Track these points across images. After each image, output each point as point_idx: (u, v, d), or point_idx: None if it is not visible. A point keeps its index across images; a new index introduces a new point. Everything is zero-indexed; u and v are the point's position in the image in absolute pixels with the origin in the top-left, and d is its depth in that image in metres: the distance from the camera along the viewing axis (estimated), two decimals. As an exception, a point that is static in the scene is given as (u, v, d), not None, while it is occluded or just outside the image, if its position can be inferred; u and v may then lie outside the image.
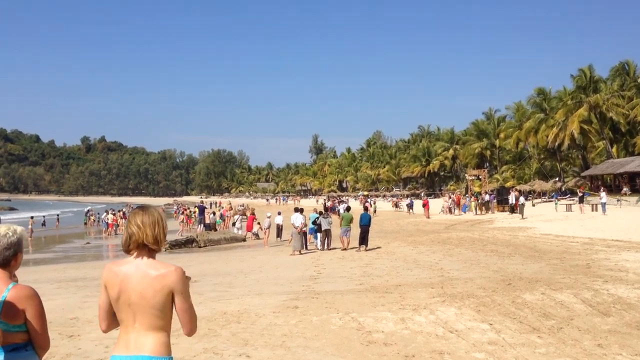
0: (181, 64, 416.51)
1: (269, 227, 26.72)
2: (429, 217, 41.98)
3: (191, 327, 2.94)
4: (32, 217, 40.98)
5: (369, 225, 20.87)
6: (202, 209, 39.93)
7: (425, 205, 44.44)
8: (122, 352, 2.91)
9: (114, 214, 41.86)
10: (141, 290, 2.85)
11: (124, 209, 54.66)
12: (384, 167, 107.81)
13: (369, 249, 20.27)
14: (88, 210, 56.53)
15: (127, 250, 2.97)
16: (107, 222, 39.75)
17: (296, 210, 22.47)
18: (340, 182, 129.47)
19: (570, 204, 41.53)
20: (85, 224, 50.90)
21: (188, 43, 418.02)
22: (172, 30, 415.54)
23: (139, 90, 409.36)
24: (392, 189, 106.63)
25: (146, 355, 2.85)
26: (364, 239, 20.48)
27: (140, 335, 2.87)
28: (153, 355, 2.85)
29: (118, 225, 40.96)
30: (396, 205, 62.54)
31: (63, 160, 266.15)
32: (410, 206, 52.40)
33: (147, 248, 2.94)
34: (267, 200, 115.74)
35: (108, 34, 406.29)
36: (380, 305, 9.78)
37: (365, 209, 23.43)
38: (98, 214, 50.06)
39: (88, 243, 33.36)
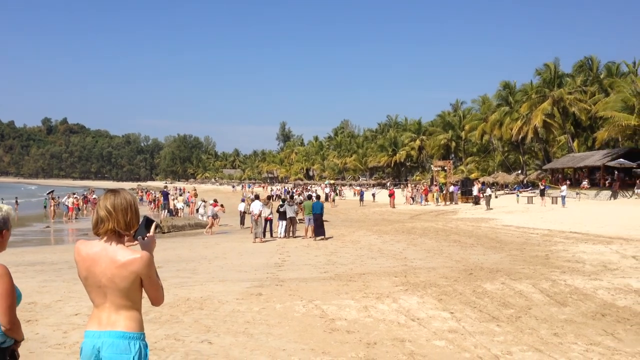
0: (147, 48, 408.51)
1: (212, 215, 26.55)
2: (394, 207, 42.37)
3: (158, 300, 3.03)
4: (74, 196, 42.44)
5: (321, 213, 20.85)
6: (166, 195, 39.51)
7: (391, 195, 44.82)
8: (95, 328, 2.93)
9: (76, 198, 41.00)
10: (110, 275, 2.87)
11: (86, 193, 53.57)
12: (351, 156, 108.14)
13: (328, 238, 20.34)
14: (49, 192, 54.99)
15: (97, 234, 2.97)
16: (68, 206, 38.91)
17: (256, 197, 22.40)
18: (307, 170, 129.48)
19: (532, 197, 42.42)
20: (45, 207, 49.66)
21: (154, 29, 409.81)
22: (138, 16, 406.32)
23: (103, 72, 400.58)
24: (359, 178, 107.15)
25: (119, 331, 2.89)
26: (320, 228, 20.43)
27: (112, 313, 2.91)
28: (126, 331, 2.89)
29: (79, 209, 40.11)
30: (339, 193, 62.74)
31: (23, 142, 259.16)
32: (361, 197, 50.98)
33: (118, 233, 2.95)
34: (233, 187, 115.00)
35: (73, 16, 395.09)
36: (344, 293, 9.83)
37: (317, 197, 23.30)
38: (58, 197, 48.84)
39: (48, 227, 32.68)
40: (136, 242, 3.06)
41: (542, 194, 39.26)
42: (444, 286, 10.34)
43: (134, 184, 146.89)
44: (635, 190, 40.33)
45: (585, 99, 53.13)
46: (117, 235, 2.94)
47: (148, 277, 2.92)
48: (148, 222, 3.11)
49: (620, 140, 52.74)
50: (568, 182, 47.72)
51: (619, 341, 6.84)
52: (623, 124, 42.29)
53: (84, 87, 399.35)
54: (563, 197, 36.45)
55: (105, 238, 2.94)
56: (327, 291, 10.03)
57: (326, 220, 22.79)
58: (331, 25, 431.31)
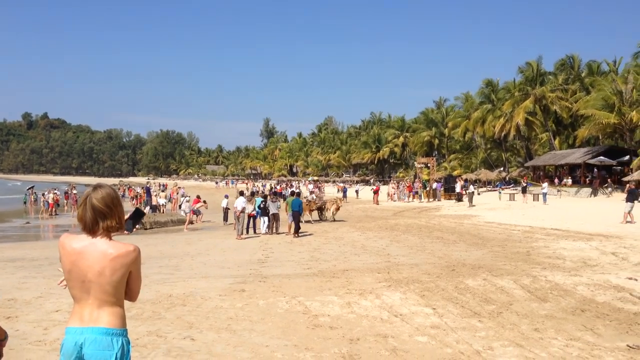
0: (130, 45, 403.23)
1: (189, 211, 26.60)
2: (377, 204, 42.49)
3: (137, 293, 3.06)
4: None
5: (299, 211, 20.85)
6: (148, 190, 39.32)
7: (376, 192, 45.00)
8: (77, 324, 2.89)
9: (55, 194, 40.53)
10: (99, 268, 2.84)
11: (67, 189, 53.00)
12: (335, 152, 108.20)
13: (308, 234, 20.35)
14: (29, 188, 54.38)
15: (91, 232, 2.91)
16: (48, 202, 38.46)
17: (241, 194, 22.35)
18: (291, 166, 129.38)
19: (514, 194, 42.81)
20: (25, 203, 49.09)
21: (137, 26, 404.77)
22: (120, 12, 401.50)
23: (85, 68, 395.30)
24: (342, 174, 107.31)
25: (102, 327, 2.86)
26: (296, 225, 20.45)
27: (95, 309, 2.88)
28: (109, 327, 2.87)
29: (59, 205, 39.67)
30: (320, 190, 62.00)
31: (3, 137, 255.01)
32: (345, 194, 50.58)
33: (112, 229, 2.93)
34: (216, 183, 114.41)
35: (53, 11, 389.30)
36: (327, 289, 9.84)
37: (297, 194, 23.43)
38: (35, 193, 48.25)
39: (28, 223, 32.29)
40: (127, 232, 3.07)
41: (524, 191, 39.64)
42: (426, 282, 10.40)
43: (115, 180, 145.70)
44: (607, 189, 40.93)
45: (566, 97, 53.70)
46: (108, 232, 2.93)
47: (137, 270, 2.95)
48: (139, 214, 3.11)
49: (600, 138, 53.47)
50: (556, 181, 48.31)
51: (598, 336, 6.94)
52: (603, 122, 42.86)
53: (65, 82, 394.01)
54: (544, 194, 36.86)
55: (101, 235, 2.90)
56: (311, 287, 10.04)
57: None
58: (316, 22, 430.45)
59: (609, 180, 42.90)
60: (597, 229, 19.92)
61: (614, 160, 45.79)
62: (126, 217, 3.11)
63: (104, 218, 2.89)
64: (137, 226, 3.09)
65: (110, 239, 2.94)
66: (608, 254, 14.11)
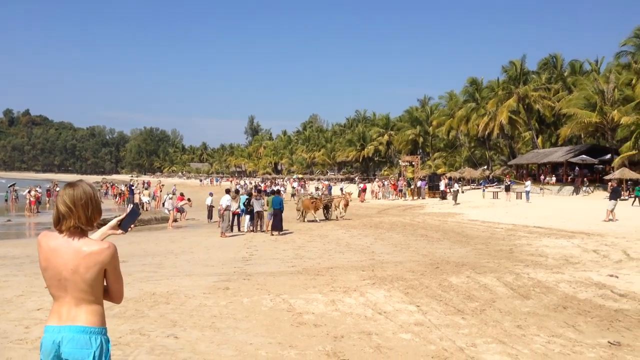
0: (113, 41, 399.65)
1: (172, 209, 26.65)
2: (363, 201, 42.60)
3: (120, 294, 3.01)
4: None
5: (280, 209, 20.80)
6: (131, 188, 39.10)
7: (364, 190, 45.17)
8: (55, 323, 2.88)
9: (36, 191, 40.07)
10: (73, 266, 2.82)
11: (49, 186, 52.42)
12: (320, 150, 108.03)
13: (288, 233, 20.35)
14: (11, 185, 53.61)
15: (60, 231, 2.91)
16: (30, 199, 38.01)
17: (227, 192, 22.28)
18: (276, 164, 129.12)
19: (497, 192, 43.14)
20: (7, 200, 48.44)
21: (121, 22, 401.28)
22: (105, 8, 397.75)
23: (68, 64, 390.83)
24: (327, 172, 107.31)
25: (80, 326, 2.84)
26: (278, 223, 20.43)
27: (73, 307, 2.86)
28: (87, 325, 2.85)
29: (40, 203, 39.23)
30: (303, 187, 61.85)
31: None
32: (329, 192, 51.29)
33: (80, 229, 2.89)
34: (201, 180, 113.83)
35: (35, 6, 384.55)
36: (311, 287, 9.85)
37: (277, 192, 23.39)
38: (16, 190, 47.63)
39: (9, 220, 31.88)
40: (121, 232, 3.06)
41: (507, 189, 39.94)
42: (410, 280, 10.44)
43: (98, 177, 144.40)
44: (583, 188, 41.45)
45: (549, 96, 54.21)
46: (79, 231, 2.90)
47: (114, 268, 2.91)
48: (135, 213, 3.09)
49: (582, 136, 54.06)
50: (541, 178, 48.73)
51: (580, 333, 7.01)
52: (585, 121, 43.31)
53: (47, 78, 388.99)
54: (527, 193, 37.18)
55: (67, 234, 2.88)
56: (295, 285, 10.03)
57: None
58: (301, 19, 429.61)
59: (585, 178, 43.49)
60: (579, 227, 20.13)
61: (596, 158, 46.35)
62: (122, 216, 3.11)
63: (63, 218, 2.87)
64: (132, 225, 3.06)
65: (86, 236, 2.91)
66: (590, 251, 14.27)
